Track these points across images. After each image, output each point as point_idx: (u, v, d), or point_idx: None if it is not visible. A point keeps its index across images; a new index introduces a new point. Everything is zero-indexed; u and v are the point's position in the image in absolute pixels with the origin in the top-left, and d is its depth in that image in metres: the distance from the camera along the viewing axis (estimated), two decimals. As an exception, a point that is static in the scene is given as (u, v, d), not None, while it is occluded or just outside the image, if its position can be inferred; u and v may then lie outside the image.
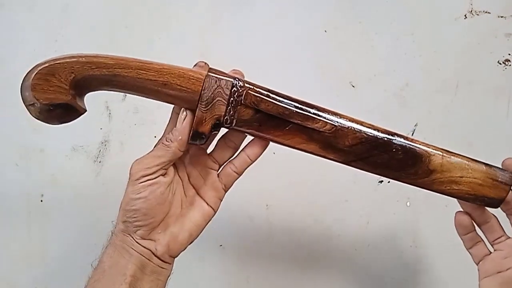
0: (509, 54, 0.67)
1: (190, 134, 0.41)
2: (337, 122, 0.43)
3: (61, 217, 0.67)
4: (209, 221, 0.46)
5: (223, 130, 0.44)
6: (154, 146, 0.43)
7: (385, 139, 0.44)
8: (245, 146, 0.45)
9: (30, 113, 0.39)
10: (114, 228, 0.43)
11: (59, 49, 0.67)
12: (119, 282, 0.41)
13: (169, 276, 0.45)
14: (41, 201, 0.67)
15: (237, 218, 0.67)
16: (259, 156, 0.45)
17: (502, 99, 0.67)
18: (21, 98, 0.38)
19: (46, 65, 0.38)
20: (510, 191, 0.46)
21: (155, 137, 0.46)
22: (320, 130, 0.43)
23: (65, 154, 0.67)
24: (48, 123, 0.39)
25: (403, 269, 0.67)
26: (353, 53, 0.68)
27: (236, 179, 0.46)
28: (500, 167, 0.47)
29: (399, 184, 0.46)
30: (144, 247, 0.42)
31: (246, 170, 0.46)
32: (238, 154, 0.46)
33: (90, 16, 0.68)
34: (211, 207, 0.46)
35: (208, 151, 0.47)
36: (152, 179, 0.41)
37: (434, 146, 0.45)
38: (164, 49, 0.68)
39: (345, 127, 0.43)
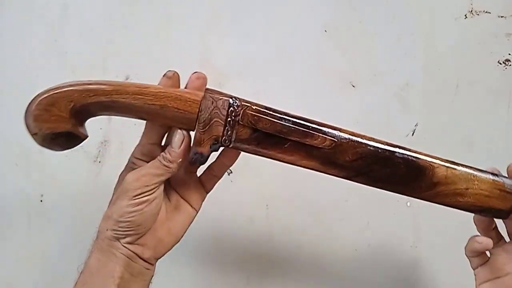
0: (509, 54, 0.67)
1: (190, 155, 0.42)
2: (336, 136, 0.43)
3: (61, 217, 0.67)
4: (192, 222, 0.47)
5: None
6: (133, 155, 0.45)
7: (387, 152, 0.43)
8: (220, 153, 0.46)
9: (35, 141, 0.40)
10: (98, 233, 0.43)
11: (59, 49, 0.67)
12: (109, 283, 0.41)
13: (152, 277, 0.46)
14: (41, 201, 0.67)
15: (237, 218, 0.67)
16: (236, 160, 0.47)
17: (502, 99, 0.67)
18: (26, 127, 0.39)
19: (46, 95, 0.39)
20: None
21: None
22: (320, 146, 0.42)
23: (64, 154, 0.66)
24: (52, 150, 0.41)
25: (403, 269, 0.67)
26: (353, 53, 0.68)
27: (217, 182, 0.49)
28: (505, 175, 0.46)
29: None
30: (131, 251, 0.43)
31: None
32: (216, 159, 0.47)
33: (89, 16, 0.68)
34: (194, 208, 0.47)
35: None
36: (150, 194, 0.42)
37: (438, 157, 0.44)
38: (164, 49, 0.68)
39: (345, 141, 0.43)
